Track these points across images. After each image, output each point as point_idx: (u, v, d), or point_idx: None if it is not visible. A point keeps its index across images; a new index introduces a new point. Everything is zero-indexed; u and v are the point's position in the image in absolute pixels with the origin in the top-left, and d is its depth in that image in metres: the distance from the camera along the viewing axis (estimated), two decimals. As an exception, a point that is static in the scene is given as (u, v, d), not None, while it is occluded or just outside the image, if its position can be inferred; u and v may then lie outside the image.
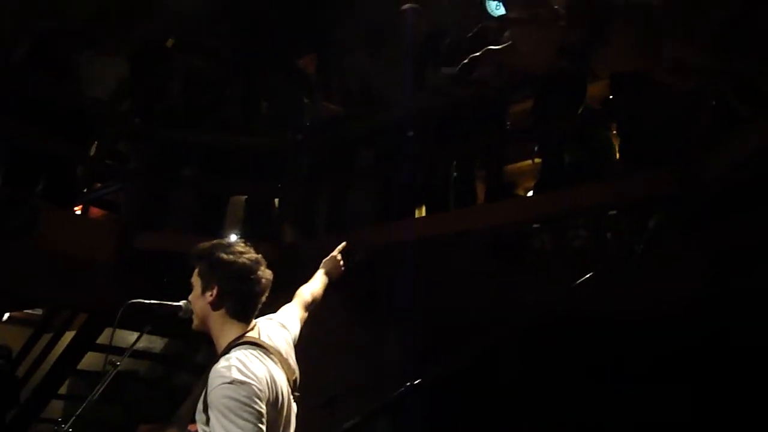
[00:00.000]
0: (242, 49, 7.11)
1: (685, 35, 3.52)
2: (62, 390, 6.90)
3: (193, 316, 2.46)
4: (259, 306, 2.48)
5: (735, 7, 3.47)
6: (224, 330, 2.40)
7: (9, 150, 5.27)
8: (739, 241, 4.19)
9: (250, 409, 2.14)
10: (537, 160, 6.61)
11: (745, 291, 4.47)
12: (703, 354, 4.76)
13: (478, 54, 4.39)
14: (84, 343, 6.35)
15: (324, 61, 7.06)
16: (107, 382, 2.43)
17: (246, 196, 6.31)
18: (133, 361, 6.73)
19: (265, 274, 2.48)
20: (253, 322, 2.48)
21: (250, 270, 2.43)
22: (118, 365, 2.48)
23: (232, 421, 2.11)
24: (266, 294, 2.49)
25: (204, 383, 2.26)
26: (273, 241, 5.68)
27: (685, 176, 4.11)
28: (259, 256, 2.49)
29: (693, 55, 3.58)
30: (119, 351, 2.78)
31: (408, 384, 4.85)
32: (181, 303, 2.52)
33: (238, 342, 2.34)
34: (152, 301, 2.50)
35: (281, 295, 2.78)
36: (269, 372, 2.29)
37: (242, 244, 2.49)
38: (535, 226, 4.50)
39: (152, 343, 7.42)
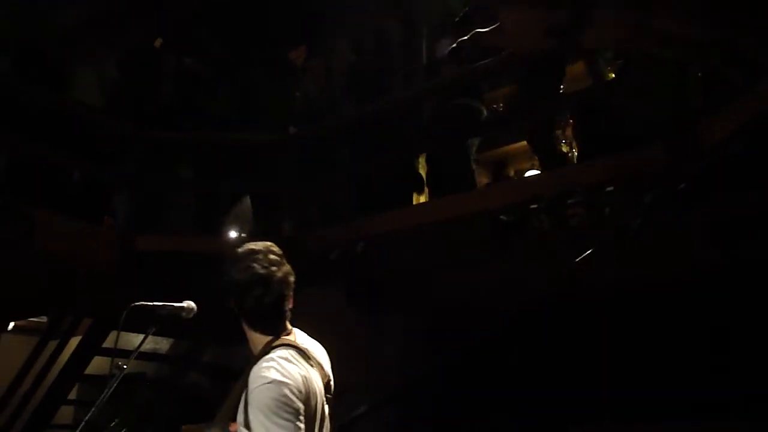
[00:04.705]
0: (232, 44, 7.09)
1: (674, 7, 3.51)
2: (72, 395, 6.93)
3: None
4: (284, 309, 2.47)
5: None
6: (254, 337, 2.46)
7: (4, 159, 5.28)
8: (737, 212, 4.20)
9: (290, 408, 2.22)
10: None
11: (745, 263, 4.48)
12: (702, 327, 4.78)
13: (465, 37, 4.38)
14: (90, 347, 6.38)
15: (314, 51, 7.03)
16: (114, 385, 2.44)
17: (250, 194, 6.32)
18: (140, 363, 6.75)
19: (277, 277, 2.43)
20: (289, 327, 2.51)
21: (258, 283, 2.41)
22: (124, 368, 2.50)
23: (273, 422, 2.18)
24: (286, 296, 2.47)
25: (244, 383, 2.32)
26: (273, 236, 5.68)
27: (678, 149, 4.11)
28: (274, 258, 2.46)
29: (682, 26, 3.57)
30: (125, 354, 2.80)
31: (414, 373, 4.87)
32: (184, 303, 2.55)
33: (275, 344, 2.39)
34: (155, 303, 2.52)
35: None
36: (306, 372, 2.36)
37: (257, 254, 2.45)
38: (532, 206, 4.49)
39: (158, 344, 7.44)
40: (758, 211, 4.02)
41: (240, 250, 2.50)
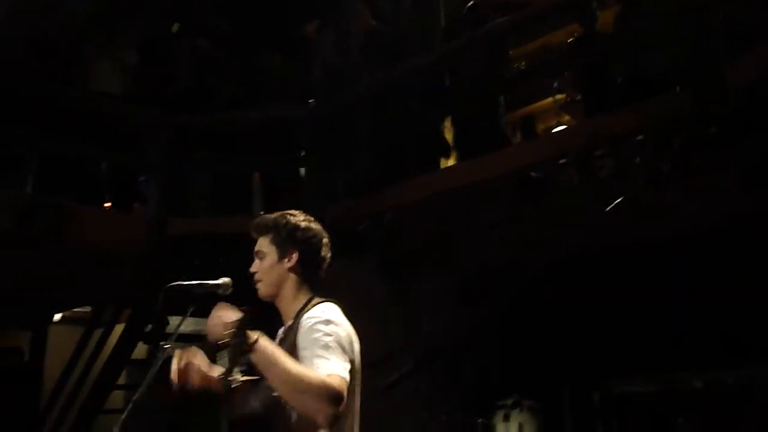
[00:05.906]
0: (246, 23, 7.06)
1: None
2: (121, 380, 7.08)
3: (261, 285, 2.52)
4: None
5: None
6: (299, 293, 2.48)
7: (33, 155, 5.33)
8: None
9: (342, 344, 2.26)
10: (558, 96, 6.53)
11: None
12: (738, 272, 4.71)
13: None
14: (133, 334, 6.48)
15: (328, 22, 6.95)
16: (158, 367, 2.47)
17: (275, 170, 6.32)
18: (184, 345, 6.83)
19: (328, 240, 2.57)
20: None
21: (322, 235, 2.54)
22: (167, 347, 2.53)
23: (327, 352, 2.20)
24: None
25: (293, 328, 2.36)
26: (300, 209, 5.68)
27: (706, 94, 4.02)
28: None
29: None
30: (168, 338, 2.83)
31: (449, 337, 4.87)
32: (220, 281, 2.56)
33: (318, 300, 2.44)
34: (190, 282, 2.53)
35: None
36: (349, 324, 2.42)
37: (304, 214, 2.58)
38: (561, 161, 4.44)
39: (199, 325, 7.51)
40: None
41: (291, 211, 2.58)
